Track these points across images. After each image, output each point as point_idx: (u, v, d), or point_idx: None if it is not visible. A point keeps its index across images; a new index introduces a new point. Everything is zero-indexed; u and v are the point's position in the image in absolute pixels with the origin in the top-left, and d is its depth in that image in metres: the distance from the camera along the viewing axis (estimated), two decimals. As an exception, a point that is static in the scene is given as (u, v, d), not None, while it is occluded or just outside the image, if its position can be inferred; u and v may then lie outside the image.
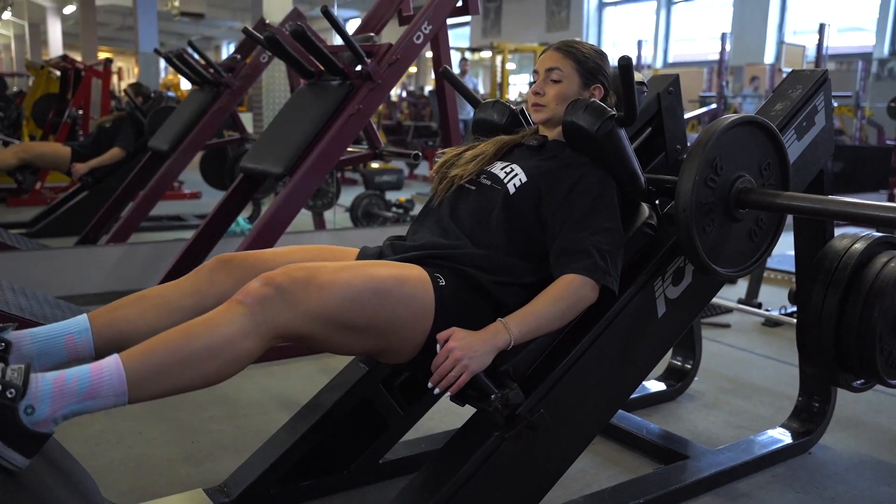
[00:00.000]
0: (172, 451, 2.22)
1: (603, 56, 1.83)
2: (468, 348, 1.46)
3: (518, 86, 18.62)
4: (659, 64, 15.93)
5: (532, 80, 1.83)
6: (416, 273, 1.53)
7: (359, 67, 3.09)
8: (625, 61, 1.62)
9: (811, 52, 8.64)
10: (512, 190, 1.68)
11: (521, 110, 1.97)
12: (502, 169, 1.74)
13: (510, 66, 13.86)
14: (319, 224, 5.15)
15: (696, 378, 2.82)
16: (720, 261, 1.74)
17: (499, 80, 12.85)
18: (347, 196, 6.23)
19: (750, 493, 2.06)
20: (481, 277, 1.59)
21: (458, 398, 1.61)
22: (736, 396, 2.79)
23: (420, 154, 3.27)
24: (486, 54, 15.21)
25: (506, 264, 1.62)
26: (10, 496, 1.12)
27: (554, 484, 1.68)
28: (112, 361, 1.25)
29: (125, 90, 5.76)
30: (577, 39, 1.85)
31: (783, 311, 3.75)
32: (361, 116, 3.04)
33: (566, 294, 1.56)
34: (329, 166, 3.04)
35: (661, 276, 1.78)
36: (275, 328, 1.34)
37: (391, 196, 6.27)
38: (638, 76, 1.93)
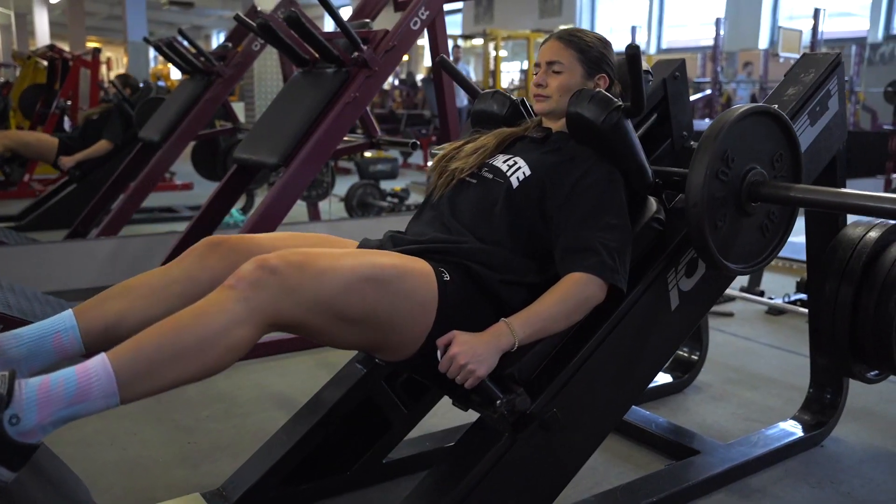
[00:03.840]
0: (168, 452, 2.15)
1: (606, 44, 1.76)
2: (472, 353, 1.39)
3: (510, 73, 18.52)
4: (653, 50, 15.86)
5: (535, 70, 1.76)
6: (419, 266, 1.46)
7: (355, 54, 3.00)
8: (632, 50, 1.55)
9: (806, 37, 8.58)
10: (515, 184, 1.60)
11: (522, 101, 1.90)
12: (505, 162, 1.66)
13: (502, 53, 13.75)
14: (314, 215, 5.07)
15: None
16: (732, 257, 1.66)
17: (491, 67, 12.75)
18: (341, 186, 6.15)
19: (764, 488, 2.01)
20: (486, 275, 1.51)
21: (462, 403, 1.55)
22: (743, 388, 2.74)
23: (418, 143, 3.19)
24: (478, 42, 15.10)
25: (510, 262, 1.55)
26: (-4, 513, 1.06)
27: (566, 485, 1.62)
28: (99, 361, 1.17)
29: (112, 81, 5.66)
30: (580, 28, 1.78)
31: (787, 300, 3.70)
32: (358, 105, 2.96)
33: (573, 293, 1.48)
34: (325, 156, 2.96)
35: (675, 268, 1.72)
36: (269, 314, 1.26)
37: (386, 185, 6.19)
38: (643, 64, 1.88)
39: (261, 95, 7.02)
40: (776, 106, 1.97)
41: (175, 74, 18.19)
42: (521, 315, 1.46)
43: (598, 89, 1.67)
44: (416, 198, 6.42)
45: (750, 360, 3.03)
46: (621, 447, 2.25)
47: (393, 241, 1.61)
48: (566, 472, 1.63)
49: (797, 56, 8.12)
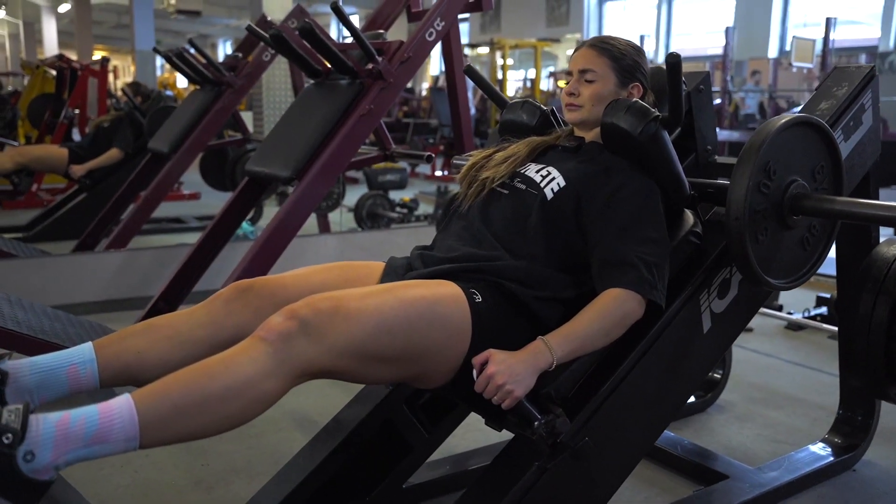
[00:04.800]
0: (181, 475, 2.09)
1: (640, 52, 1.71)
2: (509, 373, 1.34)
3: (516, 82, 18.50)
4: (661, 59, 15.82)
5: (564, 80, 1.71)
6: (449, 291, 1.40)
7: (369, 66, 2.95)
8: (673, 59, 1.50)
9: (816, 47, 8.51)
10: (549, 195, 1.55)
11: (552, 111, 1.85)
12: (538, 172, 1.61)
13: (508, 61, 13.72)
14: (324, 227, 5.01)
15: (725, 388, 2.70)
16: (772, 271, 1.62)
17: (499, 76, 12.72)
18: (350, 196, 6.10)
19: (796, 516, 1.95)
20: (521, 292, 1.46)
21: (496, 423, 1.50)
22: (768, 407, 2.67)
23: (433, 156, 3.15)
24: (483, 50, 15.08)
25: (545, 277, 1.50)
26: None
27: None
28: (123, 402, 1.12)
29: (123, 89, 5.63)
30: (612, 35, 1.73)
31: (806, 315, 3.64)
32: (372, 117, 2.91)
33: (611, 310, 1.44)
34: (339, 169, 2.91)
35: (707, 290, 1.66)
36: (300, 366, 1.23)
37: (395, 195, 6.14)
38: None
39: (269, 105, 6.98)
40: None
41: (181, 83, 18.21)
42: (560, 333, 1.41)
43: (633, 99, 1.62)
44: (425, 208, 6.37)
45: (772, 377, 2.97)
46: (645, 470, 2.18)
47: (422, 260, 1.55)
48: (599, 499, 1.57)
49: (810, 66, 8.07)
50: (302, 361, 1.23)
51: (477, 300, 1.41)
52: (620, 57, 1.65)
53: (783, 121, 1.58)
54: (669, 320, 1.59)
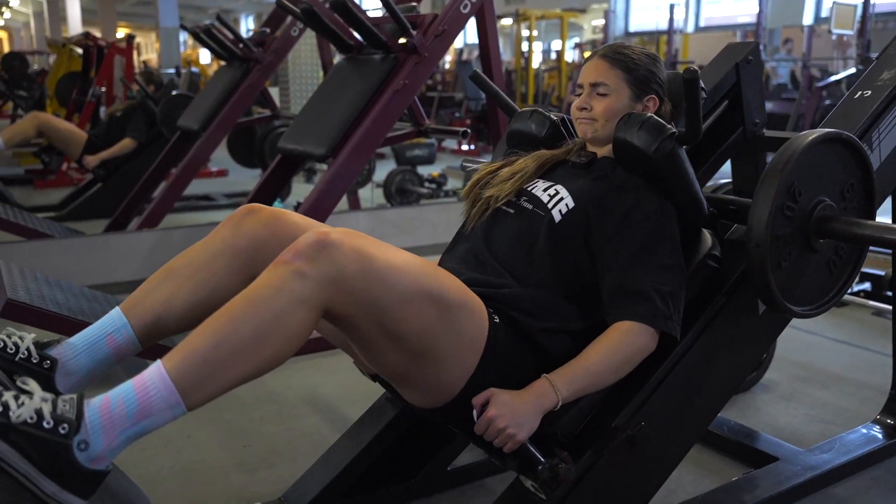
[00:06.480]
0: (224, 456, 2.09)
1: (655, 60, 1.60)
2: (511, 415, 1.28)
3: (540, 54, 18.23)
4: (690, 28, 15.49)
5: (576, 92, 1.60)
6: (477, 302, 1.33)
7: (402, 40, 2.90)
8: (690, 75, 1.40)
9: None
10: (557, 217, 1.45)
11: (563, 120, 1.73)
12: (545, 190, 1.51)
13: (533, 33, 13.52)
14: (354, 203, 4.97)
15: (768, 366, 2.65)
16: (795, 298, 1.53)
17: (524, 48, 12.52)
18: (378, 171, 6.07)
19: (850, 499, 1.90)
20: (526, 323, 1.38)
21: (499, 461, 1.44)
22: (813, 386, 2.62)
23: (468, 131, 3.09)
24: (506, 22, 14.87)
25: (552, 307, 1.41)
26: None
27: None
28: (154, 371, 1.08)
29: (136, 78, 5.60)
30: (625, 44, 1.62)
31: (850, 291, 3.55)
32: (407, 92, 2.86)
33: (622, 346, 1.36)
34: (374, 146, 2.87)
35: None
36: (326, 293, 1.14)
37: (423, 170, 6.09)
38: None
39: (296, 81, 6.95)
40: (869, 93, 1.84)
41: (204, 59, 18.20)
42: (566, 371, 1.34)
43: (648, 113, 1.52)
44: (453, 183, 6.31)
45: (817, 355, 2.90)
46: (691, 451, 2.13)
47: None
48: (652, 484, 1.54)
49: (851, 33, 7.85)
50: (328, 288, 1.14)
51: (495, 320, 1.35)
52: (634, 68, 1.55)
53: (810, 138, 1.47)
54: (688, 347, 1.52)
